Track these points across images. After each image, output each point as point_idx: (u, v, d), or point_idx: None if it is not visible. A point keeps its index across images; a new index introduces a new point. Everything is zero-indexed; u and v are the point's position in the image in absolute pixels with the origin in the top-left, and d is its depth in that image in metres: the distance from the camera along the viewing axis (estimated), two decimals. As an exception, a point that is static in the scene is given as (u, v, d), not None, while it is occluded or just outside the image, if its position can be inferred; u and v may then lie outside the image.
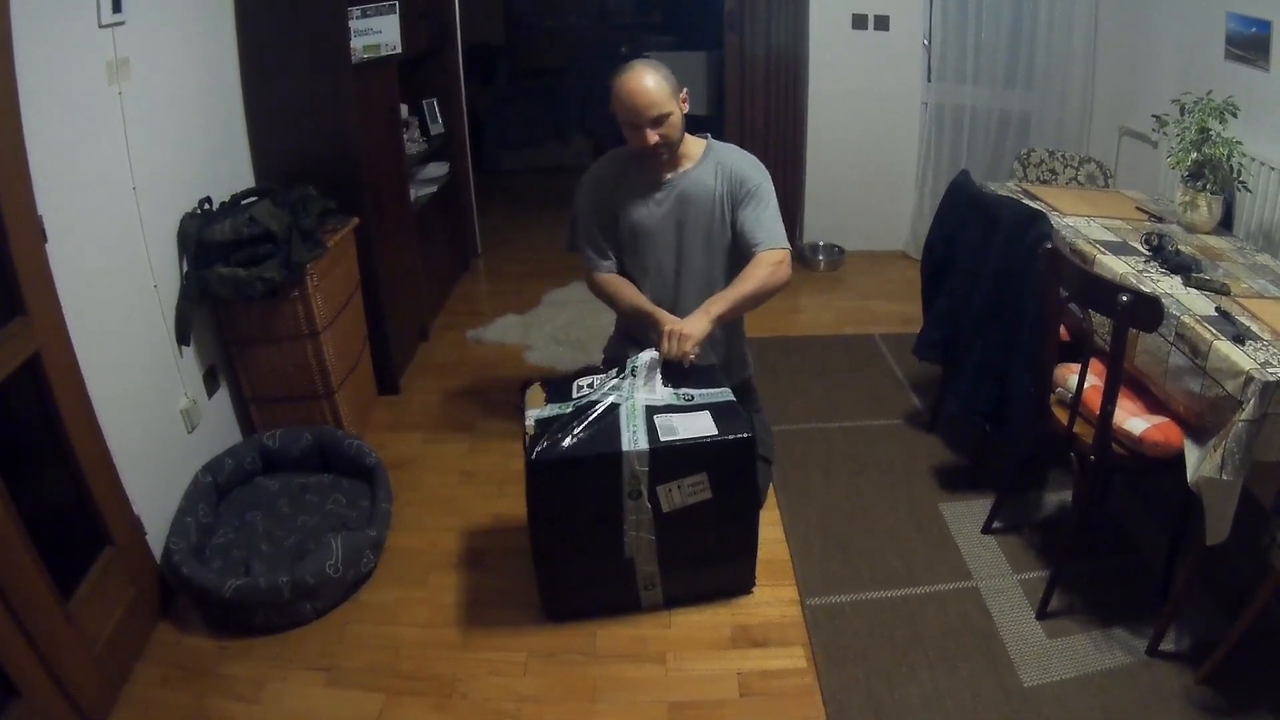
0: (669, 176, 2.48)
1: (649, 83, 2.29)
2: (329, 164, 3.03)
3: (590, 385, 2.28)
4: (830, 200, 4.82)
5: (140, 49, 2.33)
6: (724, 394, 2.27)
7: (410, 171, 3.94)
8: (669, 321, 2.35)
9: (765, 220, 2.44)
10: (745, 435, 2.13)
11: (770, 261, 2.38)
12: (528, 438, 2.13)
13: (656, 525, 2.16)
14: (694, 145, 2.51)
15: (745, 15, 4.48)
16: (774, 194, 2.50)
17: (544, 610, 2.31)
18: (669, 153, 2.42)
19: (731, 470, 2.15)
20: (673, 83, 2.36)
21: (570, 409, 2.18)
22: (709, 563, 2.31)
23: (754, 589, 2.39)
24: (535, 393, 2.32)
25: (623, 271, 2.60)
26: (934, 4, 4.39)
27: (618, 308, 2.59)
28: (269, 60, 2.94)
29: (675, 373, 2.29)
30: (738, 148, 2.58)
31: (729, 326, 2.58)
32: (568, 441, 2.09)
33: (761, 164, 2.53)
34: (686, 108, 2.41)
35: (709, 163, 2.49)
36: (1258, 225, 2.91)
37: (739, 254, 2.49)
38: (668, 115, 2.33)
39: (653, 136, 2.33)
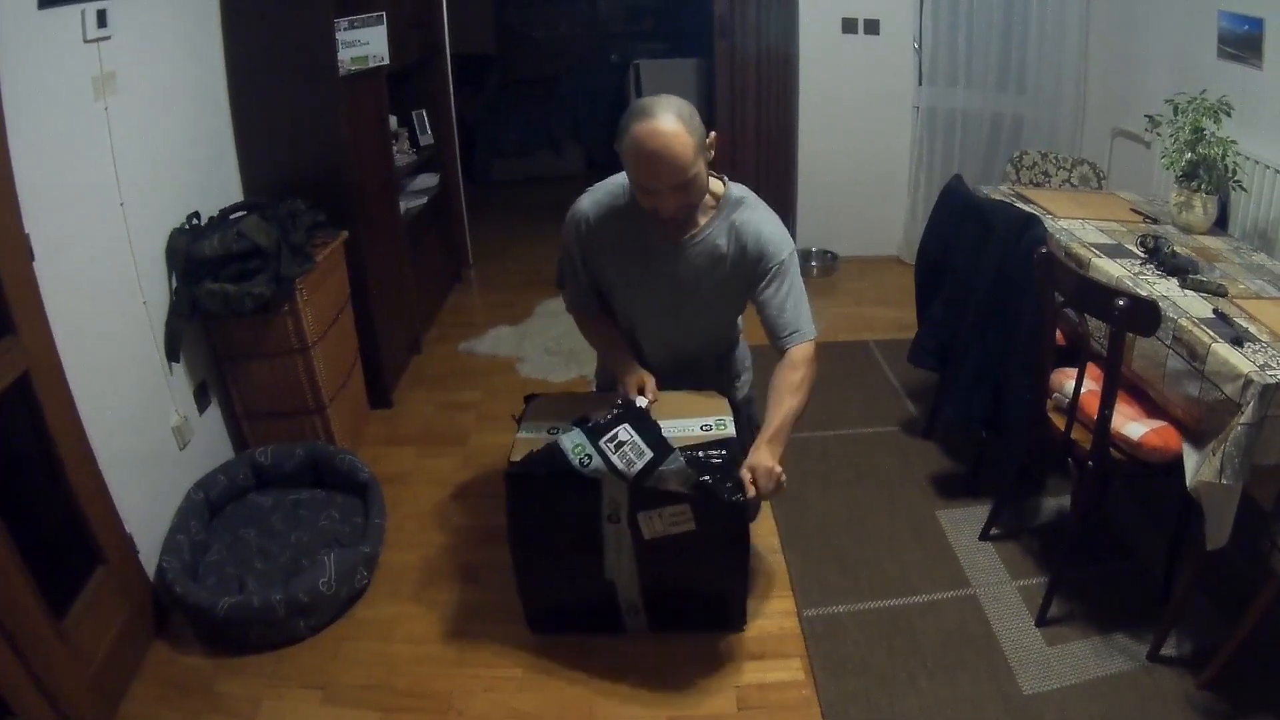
0: (676, 238, 2.07)
1: (674, 144, 1.82)
2: (318, 177, 3.01)
3: (616, 443, 2.00)
4: (822, 206, 4.81)
5: (127, 63, 2.31)
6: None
7: (400, 183, 3.93)
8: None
9: (791, 303, 2.07)
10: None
11: (805, 360, 2.06)
12: (513, 449, 2.08)
13: (637, 552, 2.08)
14: (710, 187, 2.06)
15: (736, 21, 4.48)
16: (798, 264, 2.11)
17: (526, 623, 2.28)
18: (688, 216, 2.03)
19: (717, 504, 1.97)
20: (699, 133, 1.88)
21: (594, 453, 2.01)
22: (694, 596, 2.21)
23: (745, 627, 2.28)
24: (538, 408, 2.26)
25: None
26: (924, 7, 4.38)
27: (594, 343, 2.38)
28: (257, 73, 2.92)
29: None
30: (758, 203, 2.11)
31: (720, 356, 2.36)
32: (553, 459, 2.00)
33: (784, 228, 2.11)
34: (713, 154, 1.96)
35: (723, 221, 2.07)
36: (1253, 225, 2.91)
37: (728, 319, 2.28)
38: (691, 179, 1.88)
39: (672, 205, 1.92)
